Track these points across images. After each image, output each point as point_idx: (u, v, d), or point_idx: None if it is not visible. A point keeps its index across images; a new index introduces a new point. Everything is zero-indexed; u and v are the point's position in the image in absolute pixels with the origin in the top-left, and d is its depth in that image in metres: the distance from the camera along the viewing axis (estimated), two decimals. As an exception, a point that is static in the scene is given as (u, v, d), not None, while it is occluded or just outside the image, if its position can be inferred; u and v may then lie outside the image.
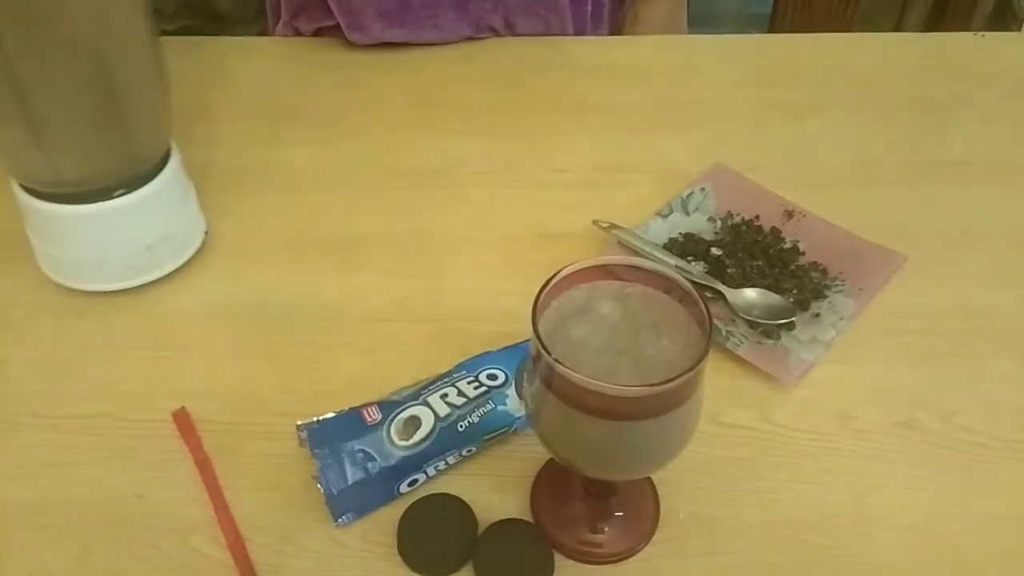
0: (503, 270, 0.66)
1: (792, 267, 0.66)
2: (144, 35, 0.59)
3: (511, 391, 0.54)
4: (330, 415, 0.53)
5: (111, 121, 0.59)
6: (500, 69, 0.86)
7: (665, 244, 0.67)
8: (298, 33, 0.91)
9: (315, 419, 0.53)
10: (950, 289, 0.65)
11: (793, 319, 0.62)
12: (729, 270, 0.65)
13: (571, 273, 0.43)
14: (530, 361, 0.43)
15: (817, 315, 0.62)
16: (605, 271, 0.44)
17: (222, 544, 0.51)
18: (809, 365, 0.59)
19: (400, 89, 0.82)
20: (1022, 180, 0.73)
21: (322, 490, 0.50)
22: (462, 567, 0.49)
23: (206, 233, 0.68)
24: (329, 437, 0.52)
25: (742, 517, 0.52)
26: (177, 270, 0.66)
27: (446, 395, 0.54)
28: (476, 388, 0.54)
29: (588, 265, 0.43)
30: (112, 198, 0.61)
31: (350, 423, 0.52)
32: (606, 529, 0.52)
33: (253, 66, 0.85)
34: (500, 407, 0.54)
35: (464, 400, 0.53)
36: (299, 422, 0.53)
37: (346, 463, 0.50)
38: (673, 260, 0.65)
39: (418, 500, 0.51)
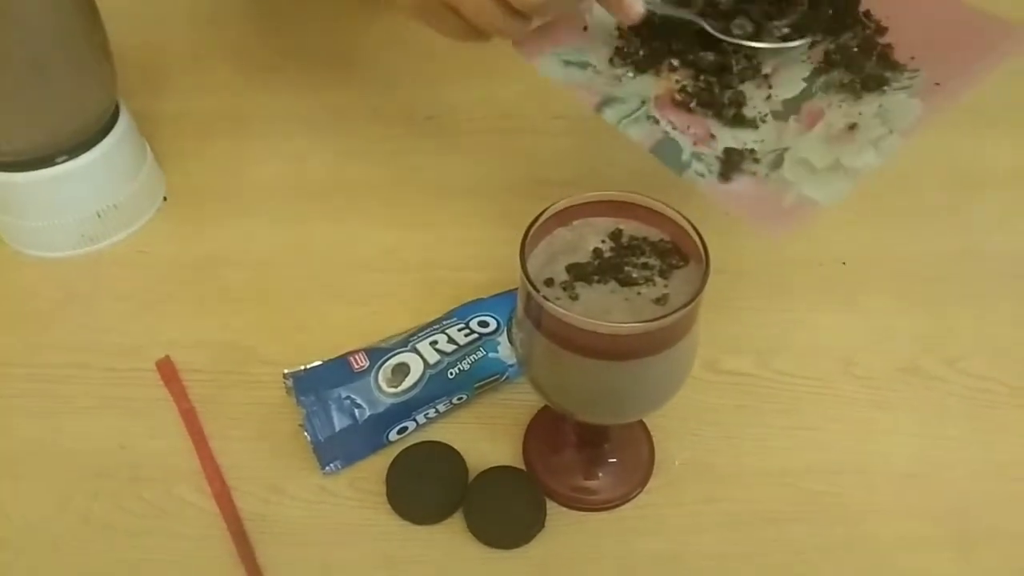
0: (497, 219, 0.64)
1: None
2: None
3: (503, 338, 0.53)
4: (317, 363, 0.52)
5: (31, 86, 0.55)
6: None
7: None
8: None
9: (302, 367, 0.52)
10: (957, 233, 0.62)
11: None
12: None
13: (561, 210, 0.41)
14: (520, 303, 0.41)
15: (853, 125, 0.42)
16: (597, 207, 0.42)
17: (207, 493, 0.49)
18: (813, 205, 0.39)
19: (391, 34, 0.80)
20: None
21: (309, 438, 0.49)
22: (452, 514, 0.48)
23: (164, 198, 0.66)
24: (316, 384, 0.50)
25: (740, 464, 0.50)
26: (164, 218, 0.65)
27: (436, 342, 0.52)
28: (467, 335, 0.52)
29: (579, 202, 0.42)
30: (53, 165, 0.58)
31: (337, 370, 0.51)
32: (600, 475, 0.50)
33: (239, 11, 0.83)
34: (491, 355, 0.52)
35: (454, 347, 0.52)
36: (286, 371, 0.52)
37: (333, 410, 0.49)
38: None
39: (408, 447, 0.50)
